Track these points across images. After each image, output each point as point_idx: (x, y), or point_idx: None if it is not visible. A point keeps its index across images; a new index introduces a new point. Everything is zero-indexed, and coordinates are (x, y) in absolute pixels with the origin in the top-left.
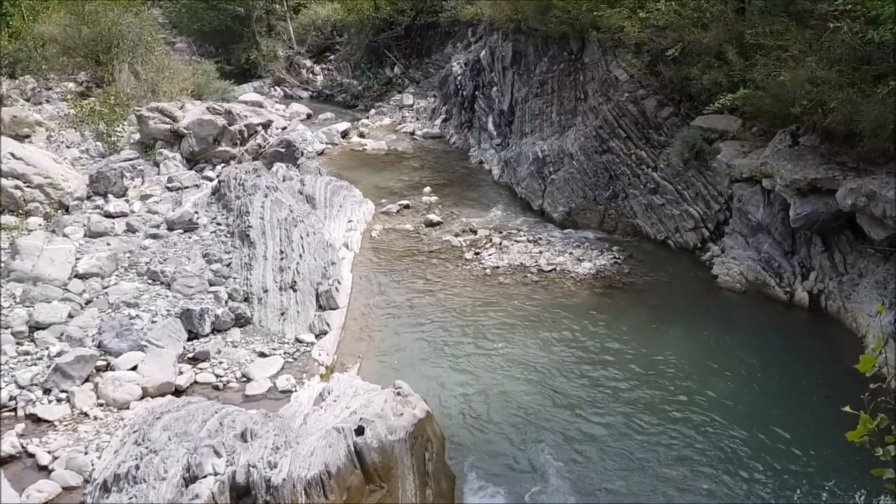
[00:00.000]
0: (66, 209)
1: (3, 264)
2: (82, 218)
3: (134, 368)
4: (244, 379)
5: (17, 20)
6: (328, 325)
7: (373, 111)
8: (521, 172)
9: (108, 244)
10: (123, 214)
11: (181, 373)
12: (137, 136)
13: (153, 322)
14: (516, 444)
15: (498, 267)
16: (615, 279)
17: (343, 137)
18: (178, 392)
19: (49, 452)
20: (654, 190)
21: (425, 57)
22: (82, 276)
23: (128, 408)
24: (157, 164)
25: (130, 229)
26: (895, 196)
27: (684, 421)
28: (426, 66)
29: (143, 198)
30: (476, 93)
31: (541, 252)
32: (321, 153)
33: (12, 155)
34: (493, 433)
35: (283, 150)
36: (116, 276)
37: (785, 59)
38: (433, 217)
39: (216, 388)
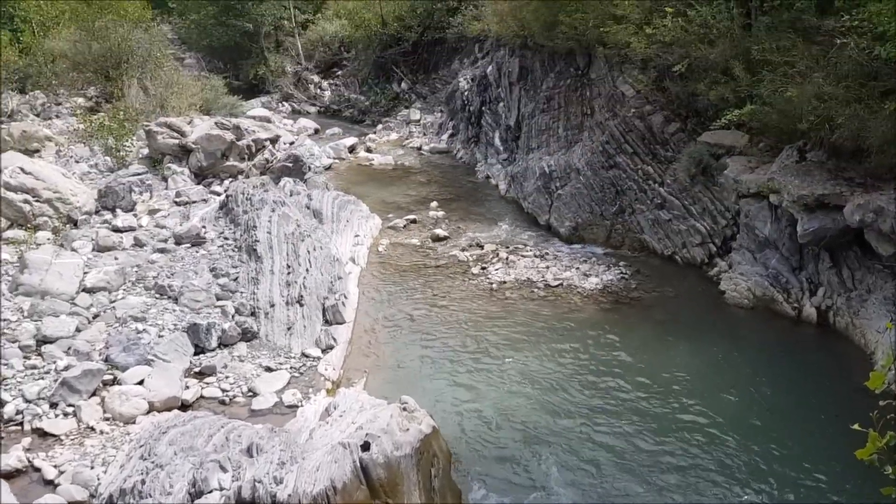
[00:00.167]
0: (75, 223)
1: (11, 278)
2: (90, 232)
3: (140, 383)
4: (250, 393)
5: (28, 36)
6: (334, 339)
7: (380, 126)
8: (527, 187)
9: (116, 258)
10: (131, 229)
11: (187, 387)
12: (146, 151)
13: (160, 336)
14: (523, 460)
15: (504, 282)
16: (622, 294)
17: (350, 152)
18: (184, 406)
19: (55, 467)
20: (660, 205)
21: (432, 73)
22: (90, 291)
23: (134, 422)
24: (165, 179)
25: (138, 244)
26: None
27: (691, 436)
28: (433, 81)
29: (151, 212)
30: (483, 108)
31: (547, 267)
32: (328, 168)
33: (22, 169)
34: (499, 448)
35: (290, 164)
36: (124, 290)
37: (792, 75)
38: (440, 232)
39: (222, 402)
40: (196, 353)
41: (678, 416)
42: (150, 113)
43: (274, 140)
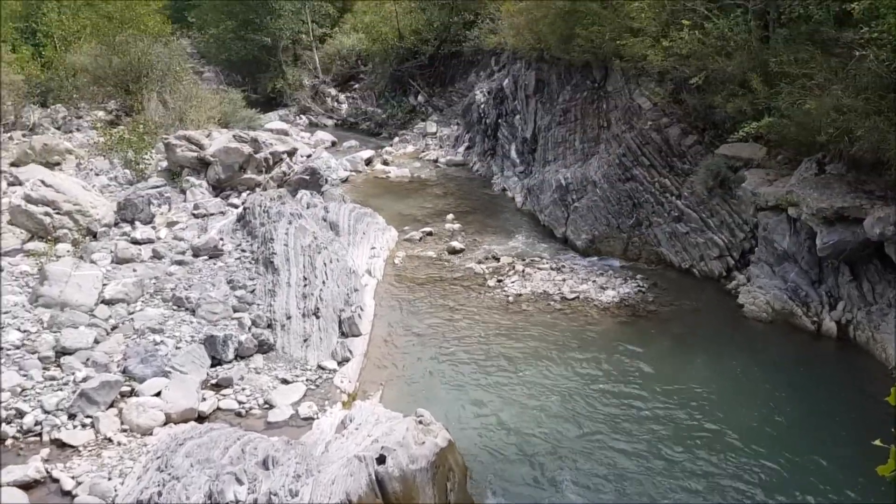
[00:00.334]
0: (94, 236)
1: (31, 289)
2: (110, 244)
3: (158, 394)
4: (266, 406)
5: (50, 50)
6: (350, 351)
7: (396, 139)
8: (543, 200)
9: (135, 270)
10: (150, 241)
11: (204, 399)
12: (165, 164)
13: (177, 348)
14: (539, 474)
15: (521, 294)
16: (639, 307)
17: (367, 165)
18: (200, 418)
19: (73, 478)
20: (678, 218)
21: (449, 85)
22: (109, 302)
23: (151, 434)
24: (183, 192)
25: (156, 256)
26: None
27: (709, 451)
28: (450, 94)
29: (170, 224)
30: (499, 121)
31: (564, 280)
32: (345, 180)
33: (43, 182)
34: (515, 462)
35: (307, 177)
36: (142, 302)
37: (810, 88)
38: (456, 244)
39: (238, 414)
40: (213, 365)
41: (696, 431)
42: (170, 126)
43: (291, 153)
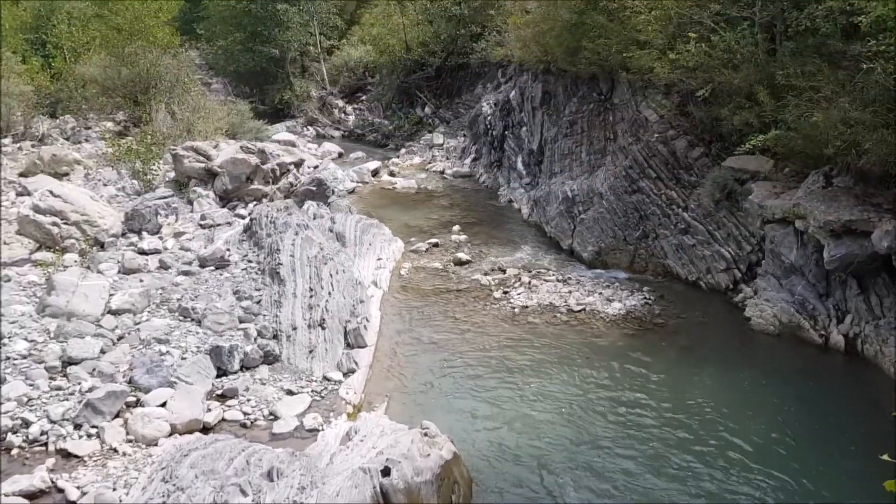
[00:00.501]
0: (102, 246)
1: (39, 299)
2: (117, 255)
3: (163, 405)
4: (271, 417)
5: (59, 61)
6: (356, 363)
7: (403, 150)
8: (550, 212)
9: (141, 281)
10: (157, 251)
11: (209, 410)
12: (172, 175)
13: (183, 358)
14: (544, 486)
15: (527, 306)
16: (646, 320)
17: (374, 176)
18: (206, 429)
19: (78, 488)
20: (684, 230)
21: (455, 97)
22: (115, 312)
23: (156, 444)
24: (190, 202)
25: (163, 266)
26: None
27: (716, 463)
28: (456, 106)
29: (177, 235)
30: (506, 132)
31: (570, 292)
32: (352, 192)
33: (51, 192)
34: (521, 475)
35: (314, 188)
36: (148, 312)
37: (817, 100)
38: (462, 256)
39: (244, 425)
40: (218, 376)
41: (703, 444)
42: (177, 137)
43: (298, 164)
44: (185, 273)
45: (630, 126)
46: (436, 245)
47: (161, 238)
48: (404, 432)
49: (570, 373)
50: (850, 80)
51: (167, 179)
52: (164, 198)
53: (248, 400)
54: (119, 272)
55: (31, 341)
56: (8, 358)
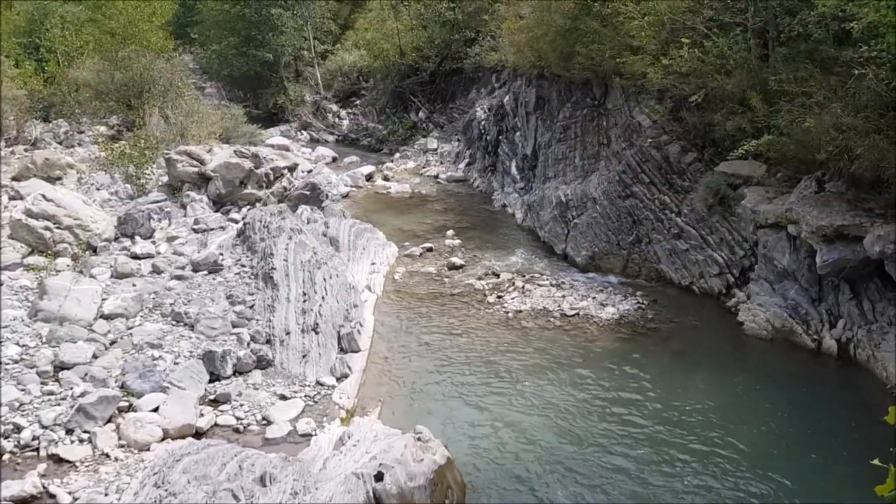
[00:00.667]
0: (94, 250)
1: (31, 304)
2: (109, 259)
3: (156, 410)
4: (264, 422)
5: (53, 66)
6: (349, 368)
7: (397, 155)
8: (544, 216)
9: (134, 285)
10: (149, 256)
11: (202, 415)
12: (165, 179)
13: (176, 363)
14: (538, 491)
15: (520, 311)
16: (639, 324)
17: (368, 181)
18: (198, 434)
19: (70, 493)
20: (677, 235)
21: (450, 102)
22: (108, 317)
23: (148, 449)
24: (183, 206)
25: (156, 270)
26: None
27: (708, 468)
28: (450, 111)
29: (170, 239)
30: (500, 137)
31: (564, 296)
32: (346, 196)
33: (44, 197)
34: (514, 479)
35: (308, 192)
36: (141, 316)
37: (810, 106)
38: (456, 260)
39: (236, 430)
40: (211, 381)
41: (696, 448)
42: (171, 141)
43: (292, 168)
44: (178, 277)
45: (623, 131)
46: (430, 249)
47: (154, 242)
48: (398, 437)
49: (564, 377)
50: (842, 85)
51: (160, 184)
52: (158, 202)
53: (241, 405)
54: (112, 276)
55: (23, 346)
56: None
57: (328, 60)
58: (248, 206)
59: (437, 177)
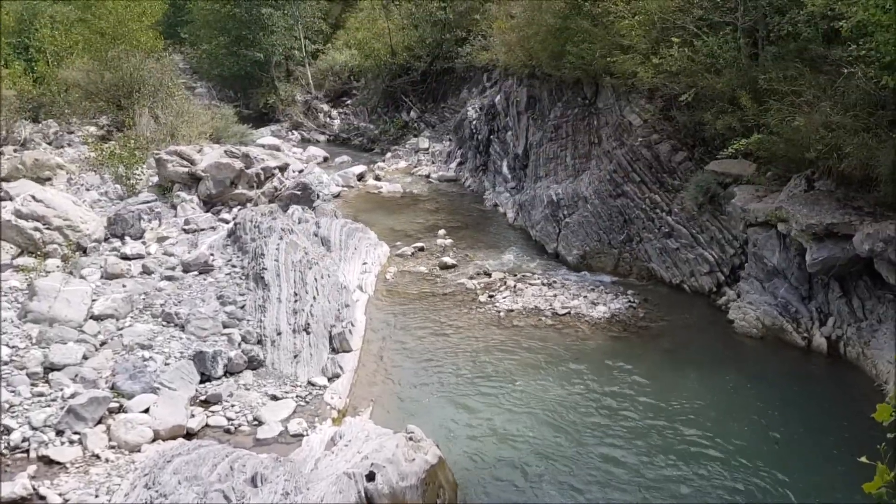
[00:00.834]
0: (84, 251)
1: (20, 305)
2: (99, 260)
3: (146, 411)
4: (256, 422)
5: (42, 66)
6: (341, 368)
7: (389, 154)
8: (535, 216)
9: (124, 286)
10: (140, 256)
11: (193, 415)
12: (156, 179)
13: (166, 364)
14: (530, 490)
15: (512, 310)
16: (630, 323)
17: (359, 180)
18: (189, 435)
19: (60, 495)
20: (668, 234)
21: (441, 102)
22: (98, 318)
23: (139, 450)
24: (174, 207)
25: (146, 271)
26: None
27: (699, 467)
28: (442, 110)
29: (160, 240)
30: (491, 137)
31: (555, 295)
32: (337, 196)
33: (33, 197)
34: (506, 479)
35: (299, 192)
36: (131, 317)
37: (799, 105)
38: (448, 260)
39: (227, 431)
40: (202, 381)
41: (686, 446)
42: (161, 141)
43: (283, 168)
44: (169, 278)
45: (614, 130)
46: (421, 249)
47: (144, 243)
48: (389, 437)
49: (555, 376)
50: (832, 84)
51: (150, 184)
52: (148, 202)
53: (232, 405)
54: (102, 277)
55: (13, 347)
56: None
57: (319, 60)
58: (239, 207)
59: (428, 176)
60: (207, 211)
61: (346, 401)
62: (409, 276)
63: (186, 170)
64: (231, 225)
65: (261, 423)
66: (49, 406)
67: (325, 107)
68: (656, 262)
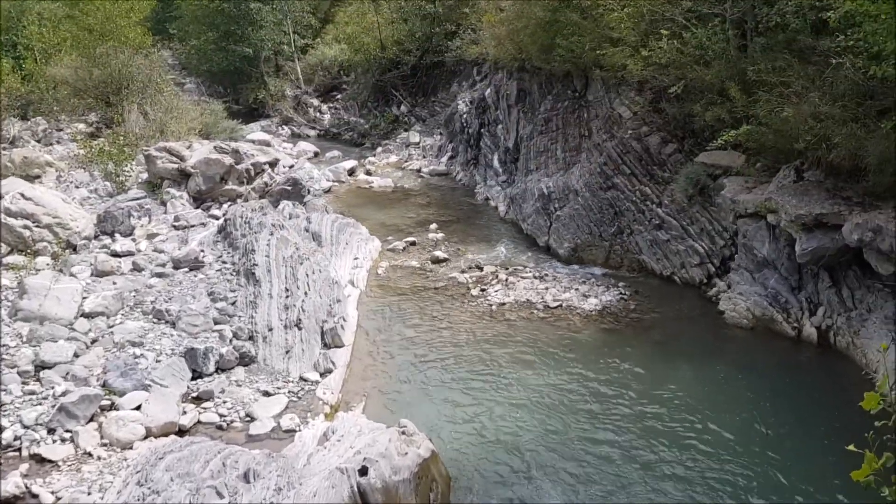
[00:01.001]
0: (74, 248)
1: (10, 303)
2: (89, 257)
3: (138, 408)
4: (248, 418)
5: (30, 63)
6: (333, 363)
7: (379, 149)
8: (526, 209)
9: (115, 283)
10: (130, 253)
11: (185, 412)
12: (145, 176)
13: (157, 361)
14: (522, 482)
15: (504, 303)
16: (621, 315)
17: (350, 175)
18: (181, 432)
19: (52, 493)
20: (658, 226)
21: (431, 95)
22: (88, 316)
23: (131, 448)
24: (164, 203)
25: (136, 268)
26: None
27: (690, 456)
28: (432, 104)
29: (150, 237)
30: (481, 130)
31: (547, 288)
32: (328, 191)
33: (22, 195)
34: (498, 471)
35: (289, 188)
36: (122, 315)
37: (788, 96)
38: (439, 254)
39: (219, 427)
40: (193, 378)
41: (678, 437)
42: (150, 138)
43: (273, 164)
44: (159, 275)
45: (604, 123)
46: (413, 243)
47: (134, 240)
48: (382, 431)
49: (547, 369)
50: (820, 75)
51: (140, 181)
52: (137, 199)
53: (224, 402)
54: (92, 275)
55: (4, 345)
56: None
57: (309, 55)
58: (229, 203)
59: (419, 171)
60: (197, 207)
61: (339, 396)
62: (400, 271)
63: (176, 166)
64: (221, 221)
65: (253, 419)
66: (40, 404)
67: (315, 102)
68: (647, 254)
